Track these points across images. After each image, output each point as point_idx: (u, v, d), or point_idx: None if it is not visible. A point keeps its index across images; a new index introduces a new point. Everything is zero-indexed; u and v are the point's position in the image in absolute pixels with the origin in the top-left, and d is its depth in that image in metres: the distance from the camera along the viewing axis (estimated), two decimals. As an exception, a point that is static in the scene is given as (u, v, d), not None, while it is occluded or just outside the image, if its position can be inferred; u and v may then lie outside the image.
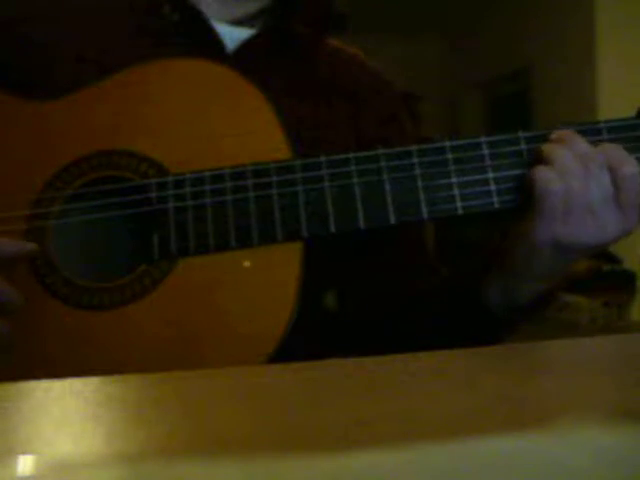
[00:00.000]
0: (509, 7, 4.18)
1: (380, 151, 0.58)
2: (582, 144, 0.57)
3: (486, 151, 0.59)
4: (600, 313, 2.66)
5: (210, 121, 0.60)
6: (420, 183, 0.58)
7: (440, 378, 0.35)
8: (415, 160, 0.58)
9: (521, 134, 0.59)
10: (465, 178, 0.58)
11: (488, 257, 0.63)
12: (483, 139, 0.59)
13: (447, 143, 0.59)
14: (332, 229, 0.57)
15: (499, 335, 0.66)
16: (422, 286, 0.73)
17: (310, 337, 0.68)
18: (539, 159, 0.57)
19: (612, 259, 2.68)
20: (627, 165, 0.56)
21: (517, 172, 0.58)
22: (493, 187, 0.58)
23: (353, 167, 0.58)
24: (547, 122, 0.61)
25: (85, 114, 0.61)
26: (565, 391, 0.31)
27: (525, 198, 0.58)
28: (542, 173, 0.56)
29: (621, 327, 2.58)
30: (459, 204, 0.58)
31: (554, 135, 0.58)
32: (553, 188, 0.55)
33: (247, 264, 0.56)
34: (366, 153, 0.58)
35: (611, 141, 0.58)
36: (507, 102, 4.48)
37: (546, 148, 0.57)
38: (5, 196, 0.59)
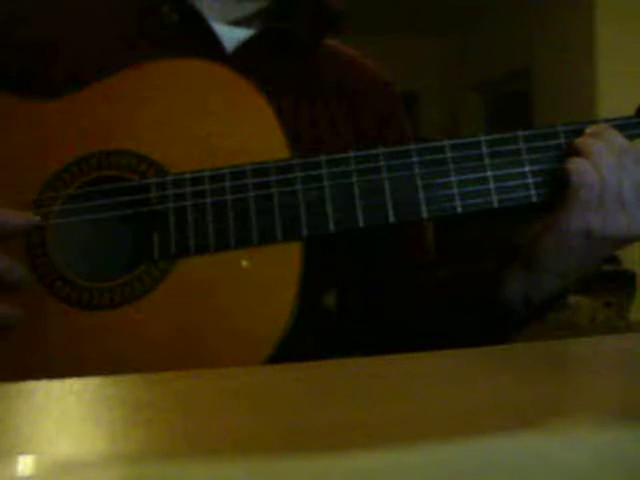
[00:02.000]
0: (509, 7, 4.18)
1: (380, 150, 0.59)
2: (618, 138, 0.58)
3: (485, 150, 0.59)
4: (600, 313, 2.66)
5: (209, 121, 0.60)
6: (419, 182, 0.58)
7: (440, 378, 0.35)
8: (414, 159, 0.58)
9: (520, 133, 0.59)
10: (464, 177, 0.58)
11: (507, 254, 0.64)
12: (482, 138, 0.59)
13: (446, 142, 0.59)
14: (332, 228, 0.57)
15: (513, 333, 0.66)
16: (422, 285, 0.73)
17: (310, 337, 0.68)
18: (574, 152, 0.58)
19: (612, 259, 2.67)
20: None
21: (516, 170, 0.58)
22: (492, 186, 0.58)
23: (352, 166, 0.58)
24: (547, 122, 0.61)
25: (84, 114, 0.61)
26: (565, 391, 0.31)
27: (523, 197, 0.58)
28: (578, 164, 0.57)
29: (621, 327, 2.58)
30: (458, 203, 0.58)
31: (589, 129, 0.59)
32: (589, 179, 0.56)
33: (247, 264, 0.56)
34: (365, 152, 0.58)
35: None
36: (507, 102, 4.48)
37: (582, 141, 0.58)
38: (5, 196, 0.58)
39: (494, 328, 0.66)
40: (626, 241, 0.59)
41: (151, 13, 0.68)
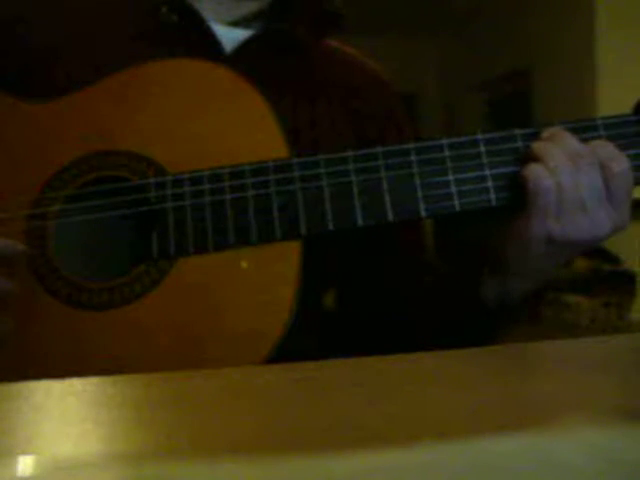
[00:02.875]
0: (509, 7, 4.18)
1: (378, 149, 0.59)
2: (572, 141, 0.57)
3: (483, 148, 0.59)
4: (600, 313, 2.66)
5: (208, 121, 0.60)
6: (418, 181, 0.58)
7: (440, 378, 0.35)
8: (413, 158, 0.58)
9: (517, 131, 0.59)
10: (462, 175, 0.58)
11: (483, 256, 0.64)
12: (480, 137, 0.59)
13: (444, 141, 0.59)
14: (330, 227, 0.57)
15: (495, 333, 0.66)
16: (422, 285, 0.73)
17: (310, 337, 0.68)
18: (530, 157, 0.58)
19: (612, 259, 2.67)
20: (617, 162, 0.57)
21: (514, 169, 0.59)
22: (490, 184, 0.58)
23: (351, 165, 0.58)
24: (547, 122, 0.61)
25: (84, 114, 0.61)
26: (565, 391, 0.31)
27: (520, 195, 0.58)
28: (533, 170, 0.56)
29: (621, 327, 2.58)
30: (456, 201, 0.58)
31: (545, 133, 0.59)
32: (544, 185, 0.56)
33: (246, 264, 0.56)
34: (364, 151, 0.59)
35: (608, 138, 0.59)
36: (507, 102, 4.48)
37: (537, 146, 0.58)
38: (4, 196, 0.58)
39: (476, 329, 0.66)
40: (590, 243, 0.58)
41: (150, 14, 0.68)
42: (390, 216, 0.57)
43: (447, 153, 0.59)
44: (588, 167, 0.56)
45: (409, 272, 0.75)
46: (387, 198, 0.58)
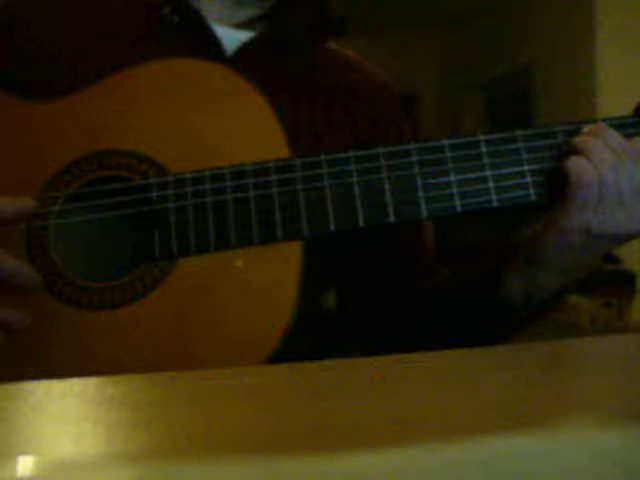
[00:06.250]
0: (509, 7, 4.18)
1: (379, 150, 0.59)
2: (616, 137, 0.58)
3: (484, 149, 0.59)
4: (600, 313, 2.66)
5: (209, 121, 0.60)
6: (419, 181, 0.58)
7: (440, 378, 0.35)
8: (414, 159, 0.58)
9: (519, 132, 0.60)
10: (464, 176, 0.58)
11: (509, 253, 0.64)
12: (481, 138, 0.59)
13: (445, 141, 0.59)
14: (332, 228, 0.57)
15: (515, 332, 0.67)
16: (422, 286, 0.73)
17: (310, 337, 0.68)
18: (573, 150, 0.58)
19: (612, 259, 2.67)
20: None
21: (515, 170, 0.59)
22: (491, 185, 0.58)
23: (353, 166, 0.58)
24: (547, 121, 0.62)
25: (85, 114, 0.61)
26: (565, 391, 0.31)
27: (522, 196, 0.58)
28: (577, 163, 0.57)
29: (621, 327, 2.58)
30: (458, 202, 0.58)
31: (587, 128, 0.59)
32: (588, 177, 0.57)
33: (247, 264, 0.56)
34: (365, 152, 0.59)
35: None
36: (507, 102, 4.48)
37: (580, 140, 0.58)
38: (5, 196, 0.58)
39: (496, 328, 0.66)
40: (626, 238, 0.59)
41: (152, 14, 0.68)
42: (391, 217, 0.57)
43: (448, 154, 0.59)
44: (630, 162, 0.57)
45: (410, 273, 0.75)
46: (388, 199, 0.58)
